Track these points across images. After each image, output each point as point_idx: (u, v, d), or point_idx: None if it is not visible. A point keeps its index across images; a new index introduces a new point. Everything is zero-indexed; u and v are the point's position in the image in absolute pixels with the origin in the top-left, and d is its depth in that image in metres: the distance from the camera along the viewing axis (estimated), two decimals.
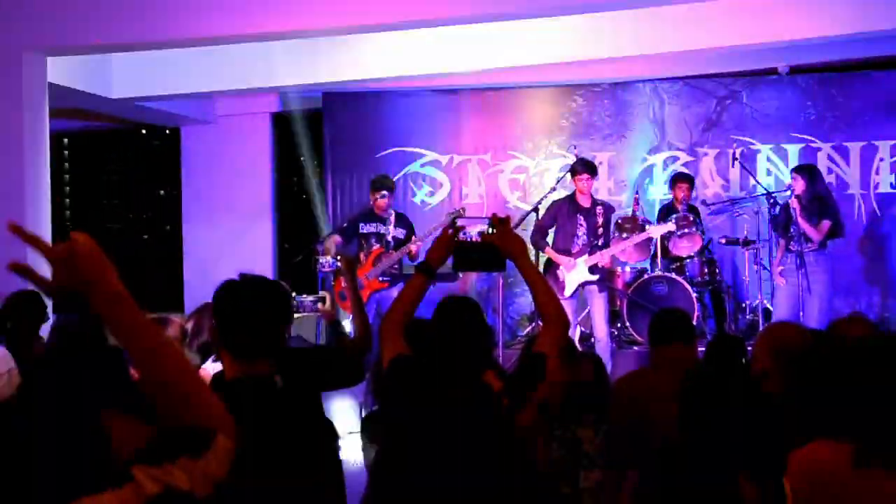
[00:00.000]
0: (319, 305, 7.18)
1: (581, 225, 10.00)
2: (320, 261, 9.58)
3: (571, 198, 10.13)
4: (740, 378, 3.83)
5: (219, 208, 14.01)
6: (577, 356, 5.23)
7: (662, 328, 5.26)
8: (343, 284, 9.25)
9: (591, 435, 5.10)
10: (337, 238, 10.22)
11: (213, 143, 14.09)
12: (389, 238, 10.35)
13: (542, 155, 12.99)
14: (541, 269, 9.66)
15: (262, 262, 13.63)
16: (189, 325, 5.38)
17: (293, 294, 6.88)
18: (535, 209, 10.66)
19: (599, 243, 10.03)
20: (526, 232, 10.45)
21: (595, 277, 9.87)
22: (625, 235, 10.51)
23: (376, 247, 10.28)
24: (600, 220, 10.07)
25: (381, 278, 10.06)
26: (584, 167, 10.02)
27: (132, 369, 2.20)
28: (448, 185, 13.12)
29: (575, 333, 10.15)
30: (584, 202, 10.03)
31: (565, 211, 10.05)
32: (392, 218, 10.41)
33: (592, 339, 10.18)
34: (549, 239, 10.26)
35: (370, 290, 9.98)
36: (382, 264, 10.10)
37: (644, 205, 11.96)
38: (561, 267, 10.00)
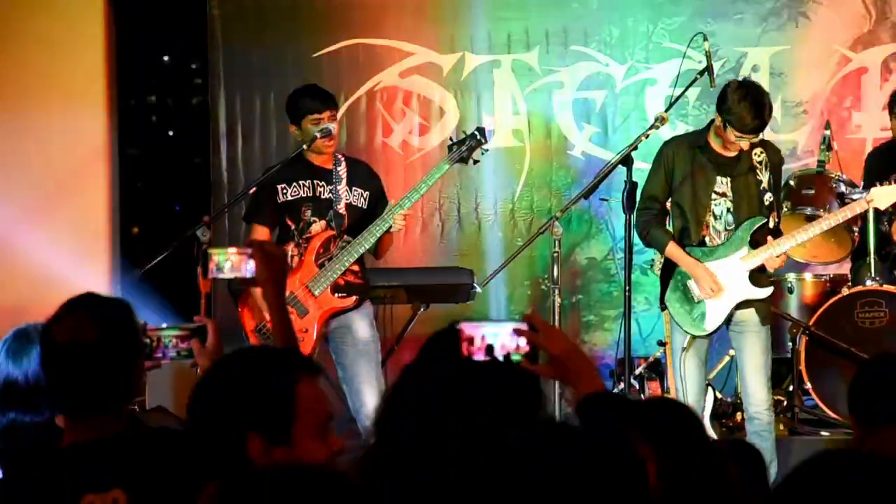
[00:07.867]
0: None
1: (721, 193, 8.27)
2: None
3: (698, 140, 8.28)
4: None
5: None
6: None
7: (883, 395, 4.27)
8: (250, 311, 8.10)
9: None
10: (261, 229, 8.30)
11: None
12: (342, 208, 8.37)
13: (641, 53, 10.70)
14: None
15: (91, 259, 10.90)
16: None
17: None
18: (627, 158, 8.40)
19: (772, 224, 8.13)
20: (602, 209, 10.07)
21: (761, 292, 8.11)
22: (810, 211, 8.89)
23: (319, 228, 8.31)
24: (764, 180, 8.22)
25: (337, 292, 8.19)
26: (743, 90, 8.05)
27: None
28: (455, 110, 10.85)
29: (706, 402, 8.79)
30: (729, 148, 8.34)
31: (693, 161, 8.19)
32: (343, 170, 8.44)
33: (740, 414, 8.91)
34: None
35: (322, 316, 8.15)
36: (335, 262, 8.25)
37: (838, 149, 9.33)
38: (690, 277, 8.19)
